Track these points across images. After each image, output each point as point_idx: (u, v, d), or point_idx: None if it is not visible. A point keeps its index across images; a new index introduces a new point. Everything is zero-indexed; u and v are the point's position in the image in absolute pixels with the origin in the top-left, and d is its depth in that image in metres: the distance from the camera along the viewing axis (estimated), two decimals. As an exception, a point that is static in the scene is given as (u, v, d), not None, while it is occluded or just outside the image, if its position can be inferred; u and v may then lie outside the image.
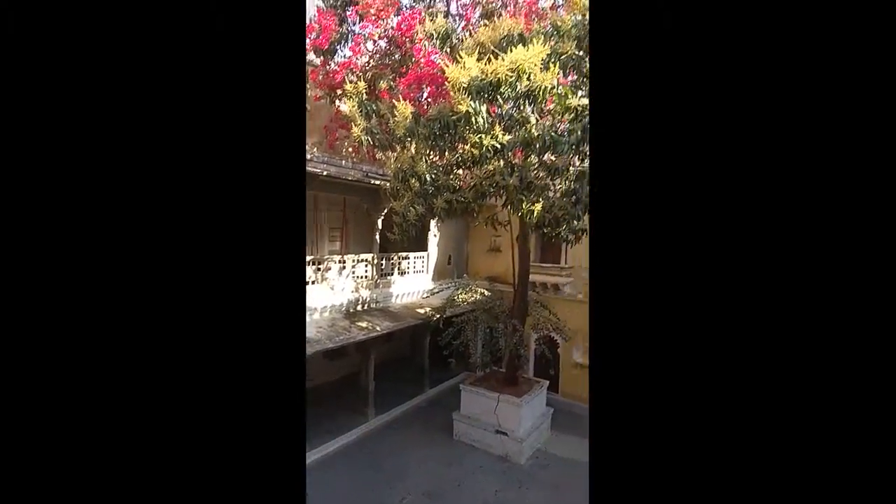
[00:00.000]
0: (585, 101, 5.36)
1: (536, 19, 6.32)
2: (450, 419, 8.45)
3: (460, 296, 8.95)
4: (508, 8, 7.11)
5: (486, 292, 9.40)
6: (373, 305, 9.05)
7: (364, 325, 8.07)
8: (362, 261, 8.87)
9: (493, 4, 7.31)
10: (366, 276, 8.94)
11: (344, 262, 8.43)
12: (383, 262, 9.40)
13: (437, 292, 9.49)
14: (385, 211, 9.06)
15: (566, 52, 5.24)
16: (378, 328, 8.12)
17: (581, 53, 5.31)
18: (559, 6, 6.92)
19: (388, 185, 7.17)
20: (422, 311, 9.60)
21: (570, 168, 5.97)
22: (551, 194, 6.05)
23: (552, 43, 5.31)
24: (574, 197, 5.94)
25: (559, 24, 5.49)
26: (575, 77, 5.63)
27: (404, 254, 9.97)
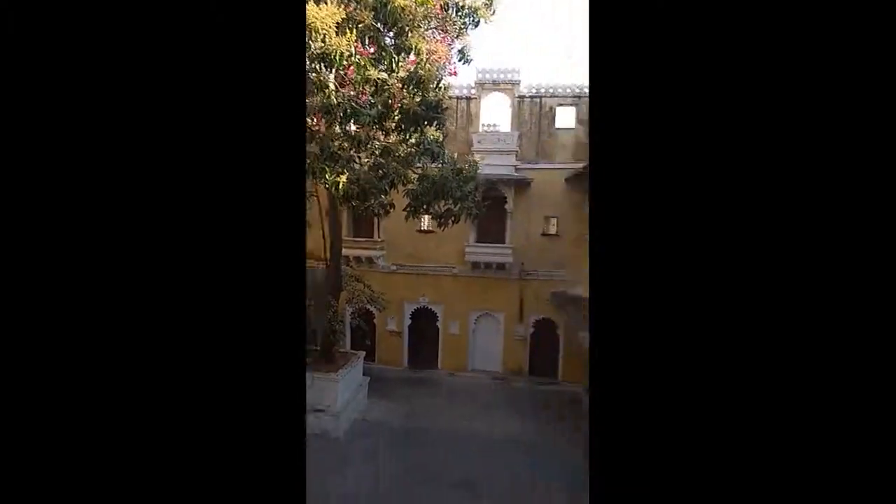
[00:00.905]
0: (385, 75, 5.47)
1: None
2: (260, 411, 7.75)
3: (266, 276, 8.12)
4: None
5: (298, 270, 8.81)
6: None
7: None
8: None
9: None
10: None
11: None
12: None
13: (238, 274, 8.33)
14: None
15: (363, 21, 5.17)
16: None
17: (379, 26, 5.33)
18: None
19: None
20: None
21: (376, 142, 6.04)
22: (357, 167, 6.02)
23: (350, 9, 5.15)
24: (380, 171, 6.08)
25: (357, -10, 5.35)
26: (375, 50, 5.65)
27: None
